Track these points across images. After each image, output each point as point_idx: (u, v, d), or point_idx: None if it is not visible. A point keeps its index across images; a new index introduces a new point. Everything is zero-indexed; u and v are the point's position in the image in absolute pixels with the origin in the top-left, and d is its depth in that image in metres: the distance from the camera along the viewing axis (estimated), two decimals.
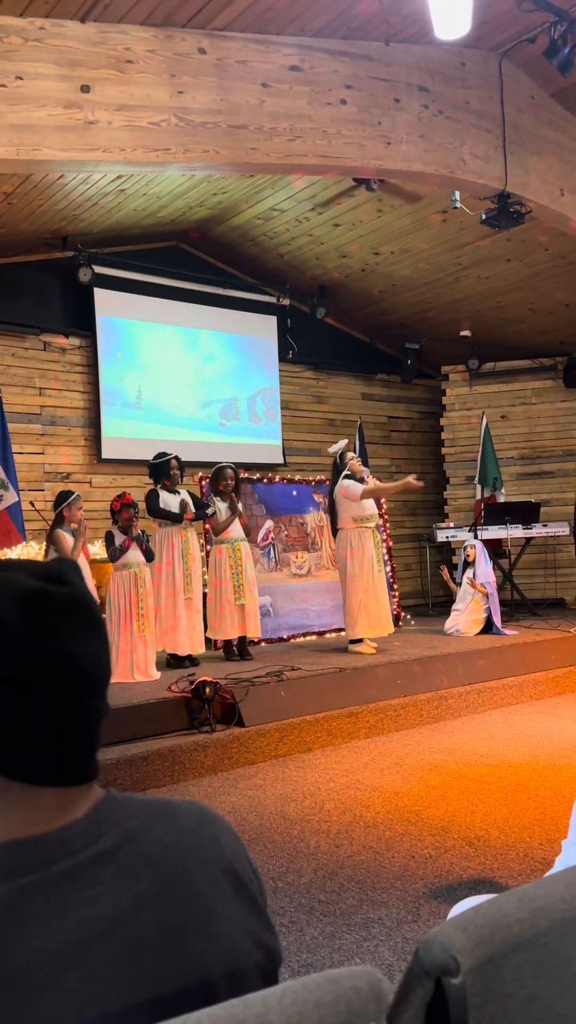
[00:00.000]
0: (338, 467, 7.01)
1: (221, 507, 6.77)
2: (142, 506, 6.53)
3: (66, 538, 6.04)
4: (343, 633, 7.42)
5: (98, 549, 7.00)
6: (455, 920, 0.81)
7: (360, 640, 6.85)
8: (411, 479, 6.79)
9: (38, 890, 0.76)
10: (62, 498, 6.20)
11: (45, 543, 6.23)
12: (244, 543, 6.84)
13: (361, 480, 6.86)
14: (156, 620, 6.44)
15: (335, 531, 7.05)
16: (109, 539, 6.34)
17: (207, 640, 6.88)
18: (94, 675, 0.83)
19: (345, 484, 6.82)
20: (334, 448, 7.14)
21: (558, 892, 0.85)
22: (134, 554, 6.27)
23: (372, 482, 6.91)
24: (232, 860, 0.87)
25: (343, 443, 7.15)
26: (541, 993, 0.83)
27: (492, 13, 5.58)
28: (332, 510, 7.00)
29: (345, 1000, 0.73)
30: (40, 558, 6.57)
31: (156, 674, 6.18)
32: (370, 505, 6.92)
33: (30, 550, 6.92)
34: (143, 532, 6.40)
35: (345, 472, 6.89)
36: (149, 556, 6.37)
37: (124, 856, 0.81)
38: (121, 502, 6.35)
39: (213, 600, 6.74)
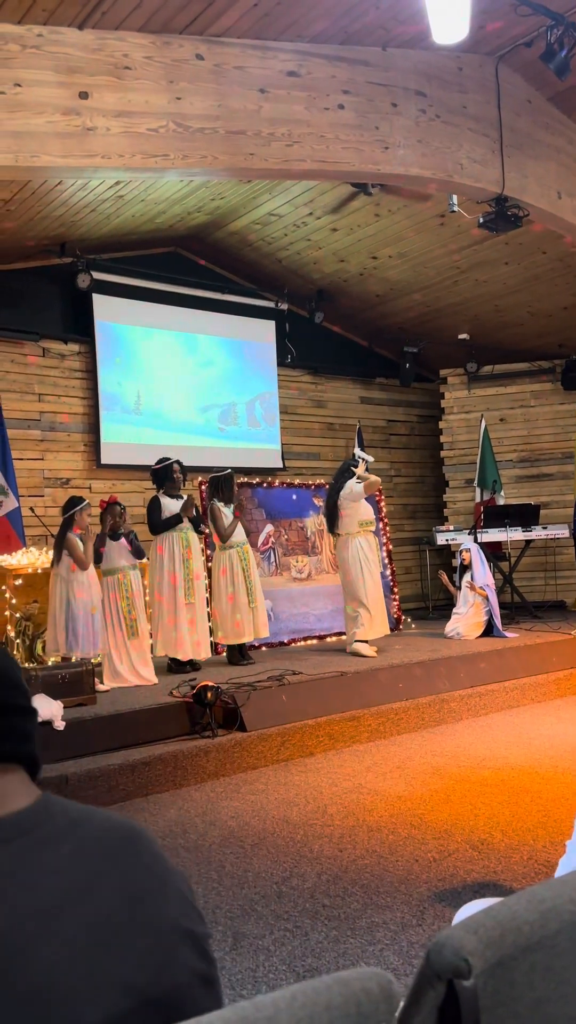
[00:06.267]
0: (345, 470, 7.09)
1: (227, 512, 6.77)
2: (139, 510, 6.52)
3: (79, 543, 6.01)
4: (343, 637, 7.42)
5: None
6: (465, 922, 0.81)
7: (365, 641, 6.88)
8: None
9: (2, 861, 0.82)
10: (72, 503, 6.15)
11: (54, 548, 6.16)
12: (248, 544, 6.89)
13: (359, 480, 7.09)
14: (159, 624, 6.42)
15: (333, 531, 7.12)
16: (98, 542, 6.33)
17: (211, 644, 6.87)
18: None
19: (352, 486, 6.99)
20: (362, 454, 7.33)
21: (567, 893, 0.85)
22: (118, 556, 6.23)
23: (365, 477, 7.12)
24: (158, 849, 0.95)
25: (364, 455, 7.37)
26: (551, 995, 0.83)
27: (489, 18, 5.59)
28: (333, 512, 7.04)
29: (355, 1002, 0.73)
30: (43, 562, 6.55)
31: (153, 678, 6.15)
32: (370, 509, 7.07)
33: (30, 556, 6.90)
34: (132, 531, 6.37)
35: (356, 477, 7.03)
36: (139, 554, 6.34)
37: (75, 836, 0.87)
38: (107, 503, 6.34)
39: (228, 606, 6.71)
